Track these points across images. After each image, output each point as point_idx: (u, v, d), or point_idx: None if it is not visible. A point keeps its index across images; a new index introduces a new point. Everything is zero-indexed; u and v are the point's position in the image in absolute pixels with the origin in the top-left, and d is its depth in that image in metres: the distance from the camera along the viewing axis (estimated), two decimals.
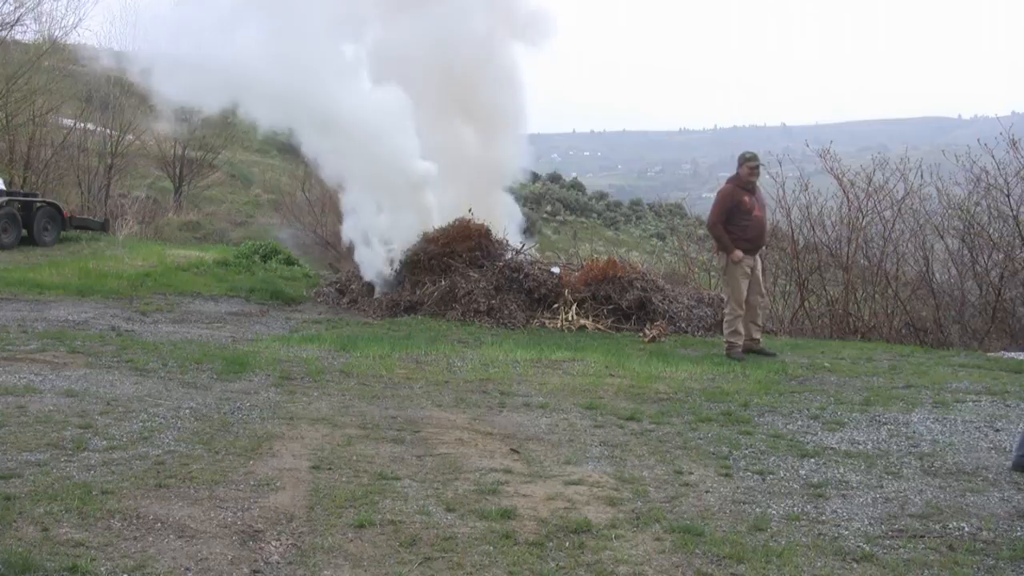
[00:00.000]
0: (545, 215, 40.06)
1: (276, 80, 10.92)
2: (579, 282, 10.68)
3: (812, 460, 4.67)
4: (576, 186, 48.40)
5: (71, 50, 22.96)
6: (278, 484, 4.07)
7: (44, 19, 30.23)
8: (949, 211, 11.38)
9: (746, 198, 8.07)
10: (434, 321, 10.11)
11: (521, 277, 10.56)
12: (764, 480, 4.34)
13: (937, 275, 11.41)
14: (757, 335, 8.31)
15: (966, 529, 3.66)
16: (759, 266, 8.34)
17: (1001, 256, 10.55)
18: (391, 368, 6.94)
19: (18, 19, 20.21)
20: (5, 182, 15.79)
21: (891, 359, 8.03)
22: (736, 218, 8.07)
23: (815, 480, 4.33)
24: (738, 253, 8.03)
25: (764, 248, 8.75)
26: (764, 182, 8.87)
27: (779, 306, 12.24)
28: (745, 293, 8.12)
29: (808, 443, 5.00)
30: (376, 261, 11.65)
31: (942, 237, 11.45)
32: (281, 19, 11.41)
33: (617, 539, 3.52)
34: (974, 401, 6.05)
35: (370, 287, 11.66)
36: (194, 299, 11.05)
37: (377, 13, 12.25)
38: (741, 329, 8.10)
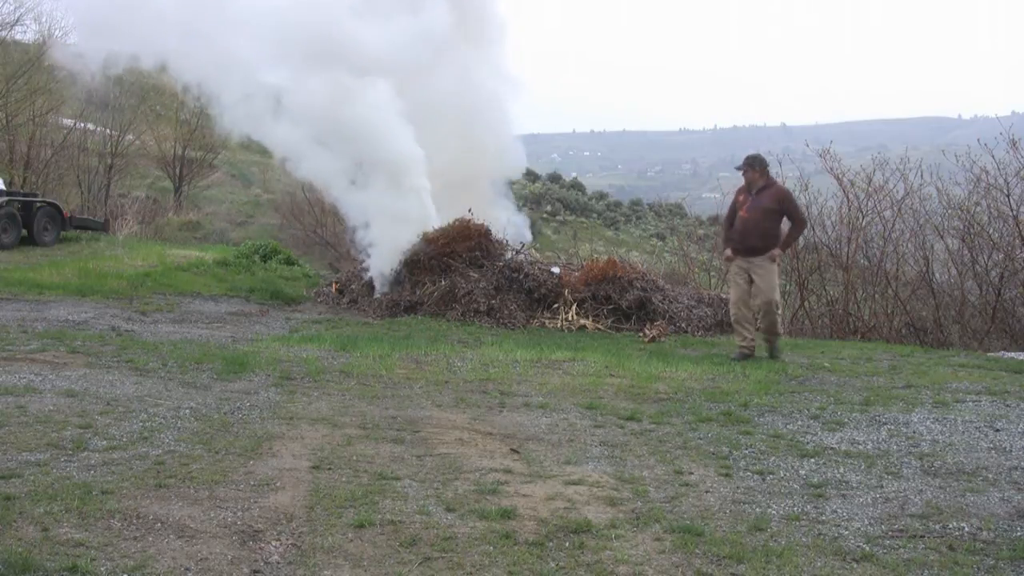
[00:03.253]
0: (545, 215, 40.09)
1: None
2: (579, 282, 10.68)
3: (812, 460, 4.67)
4: (576, 186, 48.48)
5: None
6: (278, 484, 4.07)
7: (44, 19, 30.26)
8: (949, 211, 11.39)
9: (740, 198, 8.11)
10: (434, 321, 10.11)
11: (521, 277, 10.56)
12: (764, 480, 4.34)
13: (937, 275, 11.42)
14: (751, 337, 8.23)
15: (966, 529, 3.66)
16: (756, 269, 7.95)
17: (1001, 256, 10.56)
18: (391, 368, 6.94)
19: (18, 19, 20.25)
20: (5, 182, 15.79)
21: (891, 359, 8.03)
22: (732, 218, 8.19)
23: (815, 480, 4.33)
24: (727, 252, 8.15)
25: (779, 252, 7.96)
26: None
27: None
28: (737, 293, 8.10)
29: (808, 443, 4.99)
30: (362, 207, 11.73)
31: (942, 237, 11.46)
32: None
33: (617, 539, 3.52)
34: (974, 401, 6.05)
35: (370, 287, 11.67)
36: (194, 299, 11.04)
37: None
38: (741, 330, 8.09)
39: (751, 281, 7.97)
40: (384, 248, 11.49)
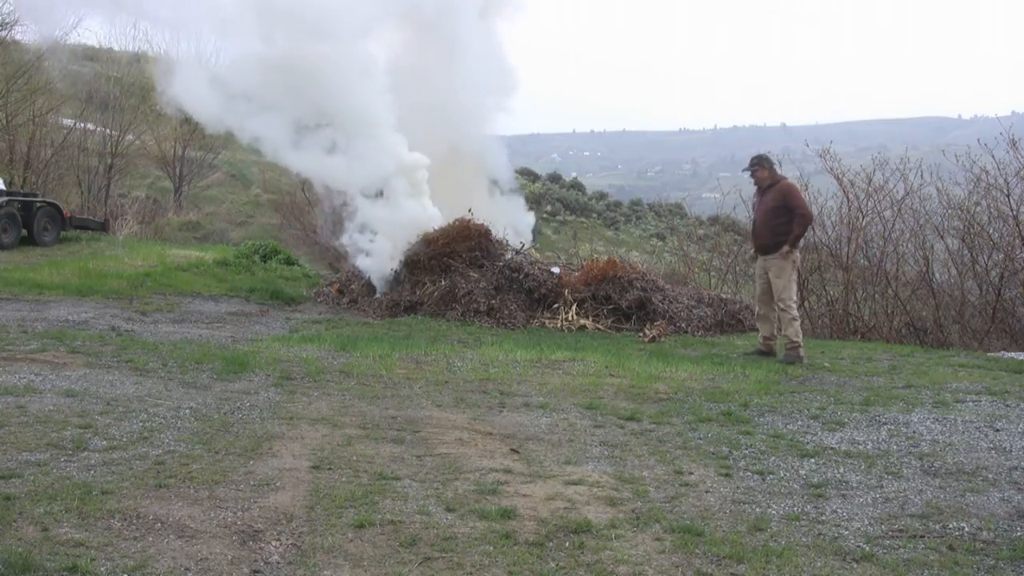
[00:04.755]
0: (545, 215, 40.06)
1: None
2: (579, 282, 10.69)
3: (812, 460, 4.67)
4: (576, 186, 48.41)
5: (70, 49, 22.93)
6: (278, 484, 4.07)
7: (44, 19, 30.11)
8: (949, 211, 11.40)
9: (756, 198, 8.37)
10: (434, 321, 10.11)
11: (521, 277, 10.56)
12: (764, 480, 4.34)
13: (937, 275, 11.42)
14: (767, 335, 8.24)
15: (966, 529, 3.66)
16: (770, 267, 7.96)
17: (1001, 256, 10.56)
18: (391, 368, 6.94)
19: (18, 19, 20.18)
20: (5, 182, 15.78)
21: (891, 359, 8.03)
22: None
23: (815, 480, 4.33)
24: (752, 252, 8.51)
25: (787, 248, 7.82)
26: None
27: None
28: (757, 292, 8.38)
29: (808, 443, 5.00)
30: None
31: (942, 237, 11.46)
32: None
33: (617, 539, 3.52)
34: (974, 401, 6.05)
35: (370, 287, 11.67)
36: (194, 299, 11.04)
37: None
38: (760, 326, 8.31)
39: (770, 280, 8.08)
40: (385, 243, 11.49)
